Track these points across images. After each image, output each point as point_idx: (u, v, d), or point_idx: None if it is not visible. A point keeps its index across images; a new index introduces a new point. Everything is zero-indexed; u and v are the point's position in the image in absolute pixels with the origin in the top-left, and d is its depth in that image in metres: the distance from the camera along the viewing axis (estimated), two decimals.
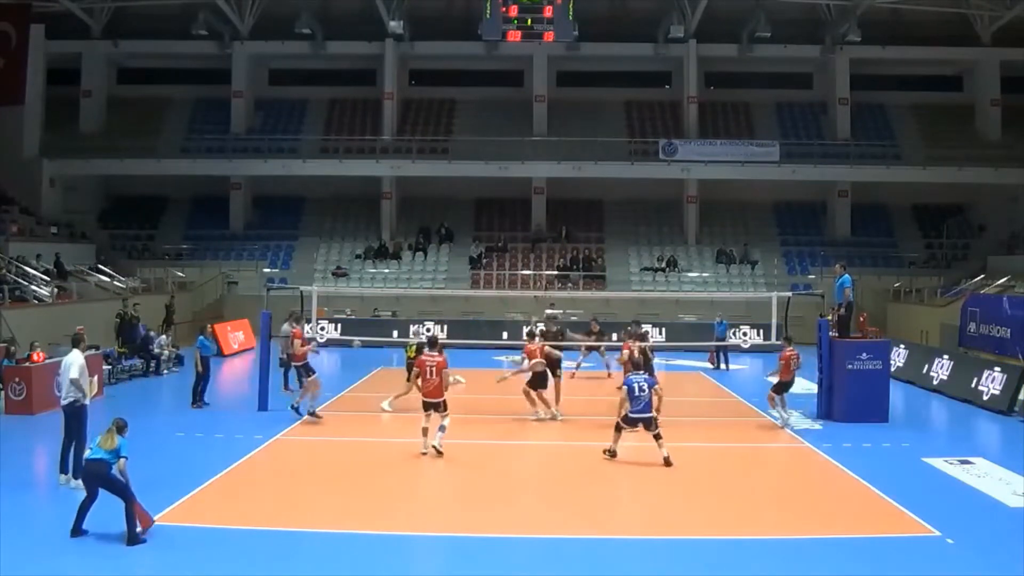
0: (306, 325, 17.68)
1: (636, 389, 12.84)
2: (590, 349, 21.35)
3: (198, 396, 17.34)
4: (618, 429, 13.06)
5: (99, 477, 9.37)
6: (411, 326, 27.75)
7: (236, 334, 27.34)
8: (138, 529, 9.30)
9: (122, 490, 9.35)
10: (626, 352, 15.89)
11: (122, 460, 9.35)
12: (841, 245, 34.18)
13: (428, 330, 24.64)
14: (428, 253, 34.18)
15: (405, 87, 37.20)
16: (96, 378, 15.81)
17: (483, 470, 12.83)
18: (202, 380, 17.30)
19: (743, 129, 36.31)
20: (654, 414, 12.87)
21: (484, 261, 33.50)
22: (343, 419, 16.38)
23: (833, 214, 35.57)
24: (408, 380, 15.75)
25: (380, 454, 13.57)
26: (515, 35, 30.61)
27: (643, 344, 17.23)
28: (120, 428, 9.66)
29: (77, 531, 9.40)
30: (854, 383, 16.33)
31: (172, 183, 35.51)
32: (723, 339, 23.87)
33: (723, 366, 23.88)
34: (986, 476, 12.42)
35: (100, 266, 30.18)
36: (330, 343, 24.57)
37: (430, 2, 35.17)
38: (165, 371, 21.93)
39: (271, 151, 34.84)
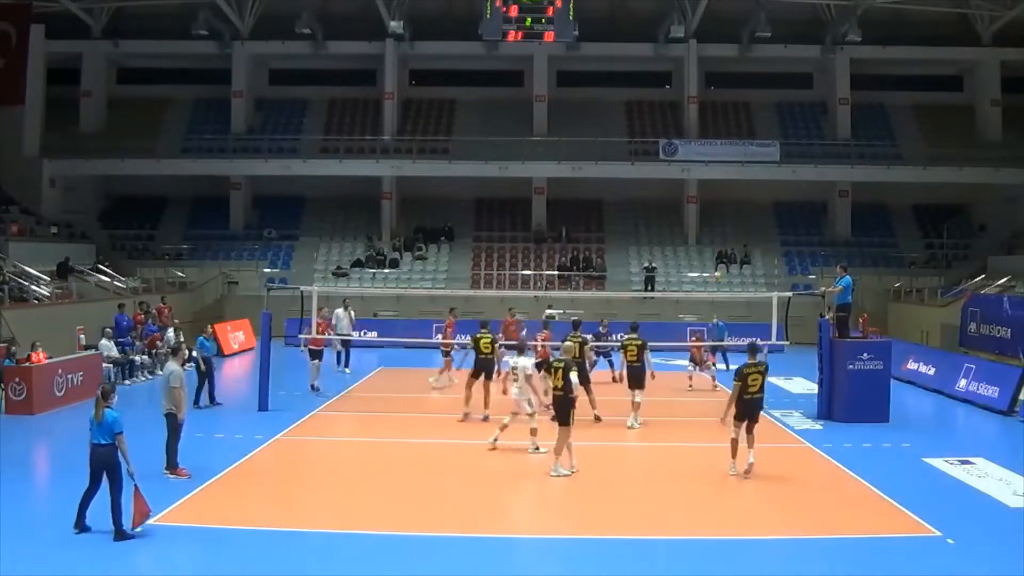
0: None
1: None
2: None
3: (211, 398, 17.32)
4: None
5: (104, 463, 9.12)
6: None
7: (236, 334, 27.32)
8: (132, 527, 9.14)
9: (116, 481, 9.15)
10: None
11: (118, 436, 9.09)
12: (841, 245, 34.17)
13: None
14: (428, 253, 34.14)
15: (405, 87, 37.17)
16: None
17: (482, 470, 12.82)
18: (205, 380, 17.24)
19: (743, 129, 36.27)
20: None
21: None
22: (343, 419, 16.38)
23: (833, 214, 35.54)
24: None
25: (380, 454, 13.57)
26: (515, 35, 30.59)
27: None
28: (106, 394, 9.33)
29: (80, 525, 9.30)
30: (854, 383, 16.31)
31: (172, 183, 35.48)
32: (722, 340, 23.59)
33: (724, 366, 23.56)
34: (986, 476, 12.42)
35: (100, 266, 30.15)
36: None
37: (430, 2, 35.10)
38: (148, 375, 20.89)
39: (271, 151, 34.80)
